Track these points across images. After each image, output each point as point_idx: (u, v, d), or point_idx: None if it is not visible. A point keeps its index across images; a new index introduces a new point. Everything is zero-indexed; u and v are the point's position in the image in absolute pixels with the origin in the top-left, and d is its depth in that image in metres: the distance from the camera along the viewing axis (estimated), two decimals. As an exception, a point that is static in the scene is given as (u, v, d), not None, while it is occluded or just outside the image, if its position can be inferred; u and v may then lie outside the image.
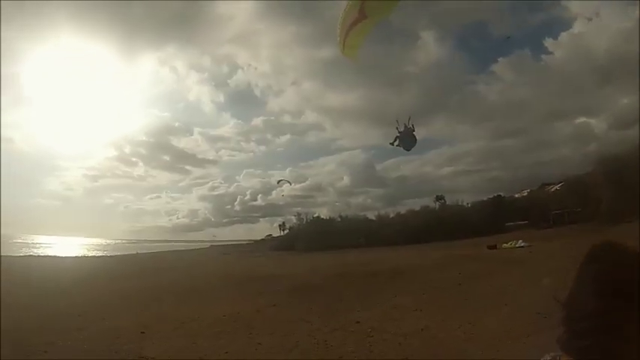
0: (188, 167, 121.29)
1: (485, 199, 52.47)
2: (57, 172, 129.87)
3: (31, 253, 47.55)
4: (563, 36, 54.64)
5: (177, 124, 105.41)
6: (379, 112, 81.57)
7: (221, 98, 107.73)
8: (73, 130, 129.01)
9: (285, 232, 62.59)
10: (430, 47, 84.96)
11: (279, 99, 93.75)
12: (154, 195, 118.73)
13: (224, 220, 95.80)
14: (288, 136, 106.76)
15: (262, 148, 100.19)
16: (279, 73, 75.09)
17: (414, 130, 13.88)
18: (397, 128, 13.77)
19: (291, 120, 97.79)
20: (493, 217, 46.38)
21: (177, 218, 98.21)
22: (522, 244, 29.64)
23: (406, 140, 13.92)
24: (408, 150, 14.46)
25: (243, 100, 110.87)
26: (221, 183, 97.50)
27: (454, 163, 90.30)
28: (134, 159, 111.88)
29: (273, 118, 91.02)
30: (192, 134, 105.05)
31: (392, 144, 14.09)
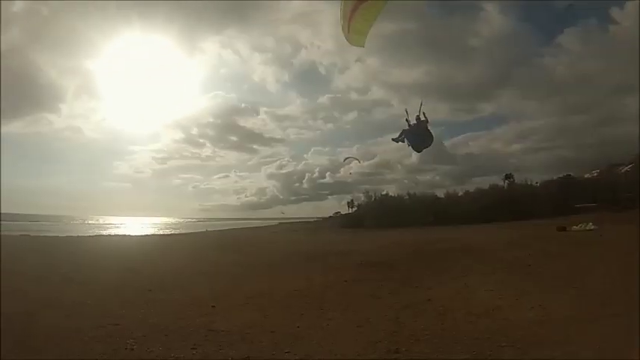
0: (256, 146, 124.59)
1: (554, 178, 51.16)
2: (127, 156, 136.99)
3: (101, 233, 49.63)
4: (630, 5, 50.82)
5: (243, 105, 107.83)
6: (445, 87, 79.96)
7: (286, 78, 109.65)
8: (140, 116, 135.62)
9: (354, 209, 63.71)
10: (494, 19, 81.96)
11: (345, 76, 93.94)
12: (223, 174, 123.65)
13: (292, 198, 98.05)
14: (355, 114, 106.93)
15: (329, 125, 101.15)
16: (343, 51, 74.91)
17: (428, 122, 11.59)
18: (407, 120, 11.65)
19: (357, 97, 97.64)
20: (562, 198, 45.37)
21: (246, 196, 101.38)
22: (593, 227, 28.74)
23: (417, 138, 11.69)
24: (418, 151, 12.14)
25: (308, 79, 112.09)
26: (289, 161, 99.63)
27: (522, 141, 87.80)
28: (201, 140, 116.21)
29: (339, 95, 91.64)
30: (258, 114, 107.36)
31: (396, 140, 12.07)
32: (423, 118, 11.50)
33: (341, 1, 10.17)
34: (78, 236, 42.60)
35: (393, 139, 12.19)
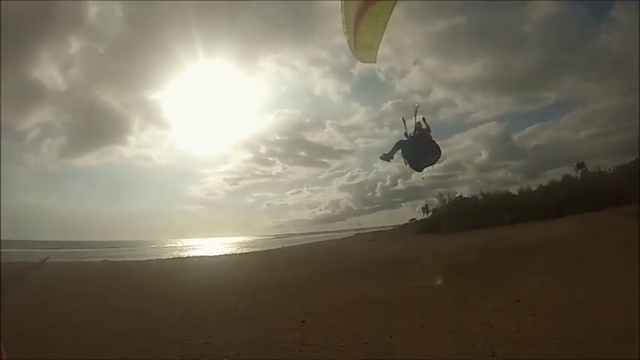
0: (325, 160, 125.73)
1: (627, 162, 48.32)
2: (198, 179, 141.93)
3: (180, 255, 51.15)
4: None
5: (308, 120, 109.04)
6: (505, 78, 77.97)
7: (347, 88, 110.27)
8: (208, 139, 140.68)
9: (429, 214, 63.18)
10: (540, 2, 78.98)
11: (405, 80, 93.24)
12: (295, 190, 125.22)
13: (366, 208, 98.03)
14: (420, 117, 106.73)
15: (396, 132, 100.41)
16: (400, 54, 74.97)
17: (430, 132, 9.53)
18: (405, 133, 9.53)
19: (420, 99, 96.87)
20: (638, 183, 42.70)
21: (320, 210, 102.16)
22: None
23: (418, 152, 9.44)
24: (419, 170, 9.60)
25: (369, 87, 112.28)
26: (360, 171, 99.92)
27: (588, 126, 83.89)
28: (271, 158, 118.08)
29: (401, 100, 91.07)
30: (324, 127, 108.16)
31: (386, 157, 9.69)
32: (424, 127, 9.51)
33: (342, 17, 8.51)
34: (158, 259, 44.16)
35: (382, 157, 9.76)
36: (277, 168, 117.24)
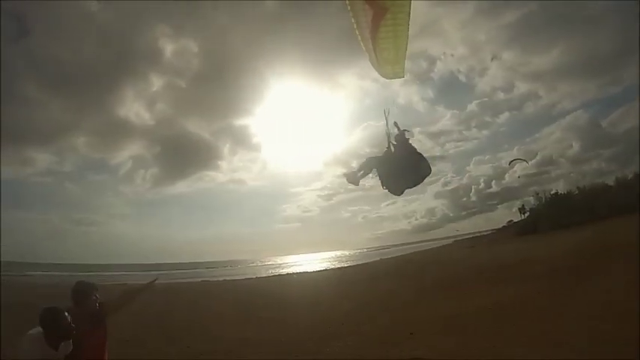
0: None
1: None
2: (292, 198, 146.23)
3: (279, 272, 52.21)
4: None
5: (396, 130, 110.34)
6: (586, 62, 74.51)
7: (430, 93, 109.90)
8: (299, 159, 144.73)
9: (526, 214, 61.64)
10: None
11: (486, 78, 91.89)
12: (390, 201, 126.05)
13: (462, 213, 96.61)
14: (506, 114, 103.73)
15: (485, 132, 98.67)
16: (476, 52, 74.75)
17: (409, 139, 7.62)
18: (389, 142, 7.58)
19: (504, 96, 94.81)
20: None
21: (416, 219, 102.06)
22: None
23: (399, 171, 7.35)
24: (397, 194, 7.52)
25: (451, 89, 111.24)
26: (453, 177, 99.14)
27: None
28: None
29: (486, 99, 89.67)
30: (413, 135, 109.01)
31: (352, 179, 7.80)
32: (404, 134, 7.61)
33: (357, 35, 7.06)
34: (257, 277, 45.27)
35: (347, 180, 7.90)
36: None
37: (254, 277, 47.59)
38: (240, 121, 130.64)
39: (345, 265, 58.21)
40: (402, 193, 7.48)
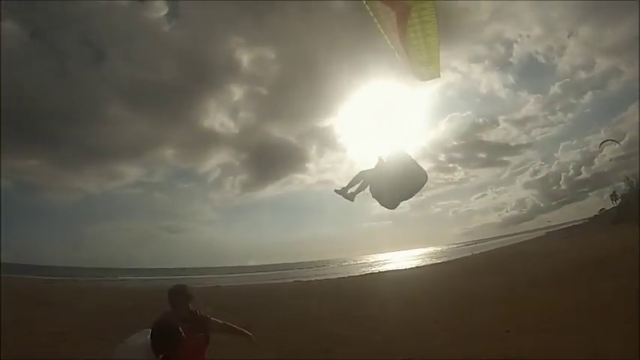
0: (505, 158, 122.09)
1: None
2: None
3: (372, 271, 52.34)
4: None
5: (481, 120, 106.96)
6: None
7: (511, 79, 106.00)
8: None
9: (618, 201, 58.45)
10: None
11: (565, 57, 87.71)
12: (480, 194, 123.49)
13: (553, 203, 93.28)
14: (589, 94, 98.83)
15: (570, 115, 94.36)
16: (551, 30, 71.90)
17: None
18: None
19: (585, 75, 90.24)
20: None
21: (507, 212, 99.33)
22: None
23: (389, 185, 6.83)
24: (392, 208, 7.03)
25: (532, 73, 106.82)
26: (541, 165, 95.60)
27: None
28: (451, 165, 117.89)
29: (568, 80, 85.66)
30: (498, 124, 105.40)
31: (346, 193, 7.49)
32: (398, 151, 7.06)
33: (386, 40, 6.59)
34: (350, 276, 45.59)
35: (337, 191, 7.52)
36: (459, 174, 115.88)
37: (347, 275, 48.10)
38: (325, 123, 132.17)
39: (438, 262, 57.64)
40: (396, 206, 6.99)
